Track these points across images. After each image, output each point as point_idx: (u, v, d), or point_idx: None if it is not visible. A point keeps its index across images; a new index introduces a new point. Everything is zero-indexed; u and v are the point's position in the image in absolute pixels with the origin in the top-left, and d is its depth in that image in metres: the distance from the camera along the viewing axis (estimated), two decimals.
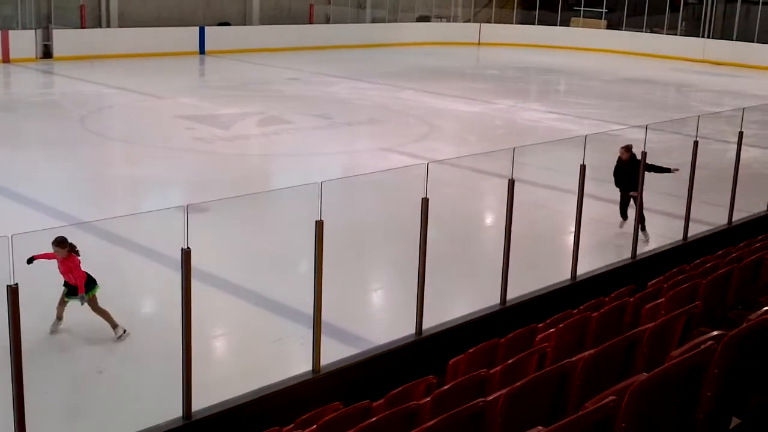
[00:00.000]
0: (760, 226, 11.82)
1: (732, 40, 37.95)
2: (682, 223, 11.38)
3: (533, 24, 42.60)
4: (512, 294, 9.04)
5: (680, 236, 11.35)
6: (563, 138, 18.17)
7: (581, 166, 9.64)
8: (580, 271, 9.83)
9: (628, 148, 12.54)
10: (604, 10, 41.93)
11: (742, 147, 12.37)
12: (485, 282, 9.66)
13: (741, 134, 12.18)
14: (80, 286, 8.66)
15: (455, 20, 44.32)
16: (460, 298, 10.62)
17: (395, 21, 41.45)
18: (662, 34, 40.11)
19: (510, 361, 5.45)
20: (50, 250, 8.60)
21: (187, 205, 6.33)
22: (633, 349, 4.88)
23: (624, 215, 12.78)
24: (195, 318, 6.58)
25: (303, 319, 8.35)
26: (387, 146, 18.81)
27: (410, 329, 8.19)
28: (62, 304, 8.93)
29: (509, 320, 8.42)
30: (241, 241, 12.29)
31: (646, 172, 11.15)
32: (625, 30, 41.01)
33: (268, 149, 18.76)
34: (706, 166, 14.16)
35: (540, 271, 10.67)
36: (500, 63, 36.00)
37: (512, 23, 43.35)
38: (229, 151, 17.99)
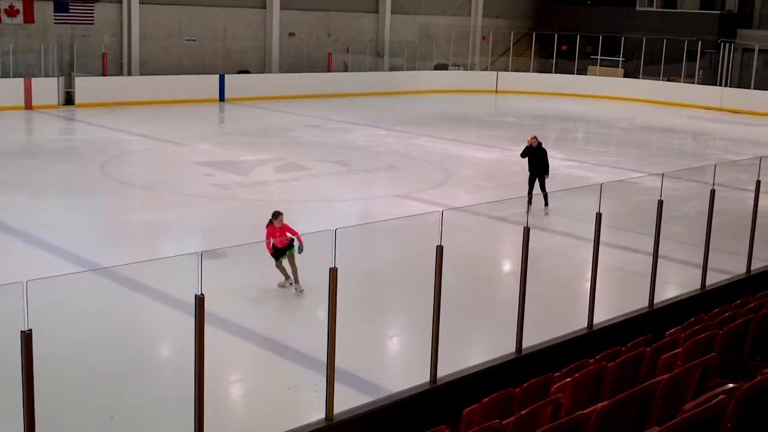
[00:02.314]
0: None
1: (750, 88, 37.98)
2: (699, 271, 11.29)
3: (550, 72, 42.84)
4: (528, 342, 8.97)
5: (698, 285, 11.26)
6: (580, 186, 18.18)
7: (597, 214, 9.61)
8: (597, 319, 9.75)
9: (536, 137, 17.37)
10: (621, 59, 42.14)
11: (761, 195, 12.32)
12: (501, 329, 9.61)
13: (758, 183, 12.12)
14: (298, 237, 11.40)
15: (472, 68, 44.67)
16: (476, 345, 10.55)
17: (413, 69, 41.81)
18: (680, 82, 40.21)
19: (523, 412, 5.39)
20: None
21: (201, 252, 6.35)
22: (648, 401, 4.82)
23: (530, 200, 16.73)
24: (210, 363, 6.57)
25: (318, 365, 8.32)
26: (404, 193, 18.87)
27: (426, 377, 8.13)
28: (281, 265, 11.60)
29: (525, 369, 8.34)
30: (258, 287, 12.30)
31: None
32: (642, 78, 41.16)
33: (286, 195, 18.84)
34: (723, 214, 14.11)
35: (557, 319, 10.61)
36: (518, 111, 36.16)
37: (529, 71, 43.63)
38: (248, 197, 18.09)
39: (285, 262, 11.65)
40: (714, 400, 3.50)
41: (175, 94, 32.52)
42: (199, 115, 30.76)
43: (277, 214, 11.66)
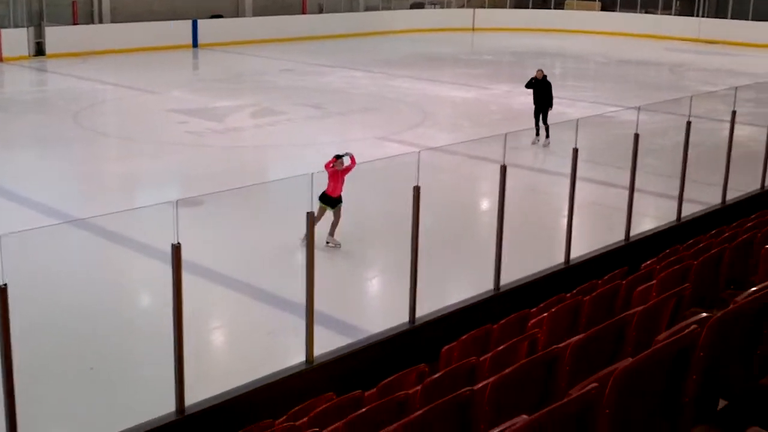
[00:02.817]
0: (753, 204, 11.77)
1: (727, 18, 37.82)
2: (676, 203, 11.34)
3: (527, 8, 42.46)
4: (507, 279, 9.01)
5: (674, 217, 11.31)
6: (558, 122, 18.13)
7: (573, 149, 9.59)
8: (574, 254, 9.80)
9: (541, 70, 17.95)
10: None
11: (737, 125, 12.33)
12: (480, 267, 9.63)
13: (734, 113, 12.12)
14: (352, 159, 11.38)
15: (449, 6, 44.17)
16: (455, 284, 10.60)
17: (389, 9, 41.30)
18: (657, 14, 39.97)
19: (500, 348, 5.43)
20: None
21: (177, 201, 6.30)
22: (623, 333, 4.85)
23: (537, 133, 17.60)
24: (189, 312, 6.57)
25: (298, 309, 8.32)
26: (381, 135, 18.76)
27: (405, 317, 8.17)
28: (319, 216, 10.74)
29: (503, 306, 8.38)
30: (236, 234, 12.25)
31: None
32: (619, 11, 40.88)
33: (263, 141, 18.71)
34: (700, 145, 14.15)
35: (535, 256, 10.66)
36: (495, 48, 35.89)
37: (506, 8, 43.21)
38: (223, 144, 17.93)
39: (328, 214, 11.21)
40: (686, 330, 3.52)
41: (147, 41, 31.96)
42: (172, 61, 30.33)
43: (339, 157, 11.36)
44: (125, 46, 31.24)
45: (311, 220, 7.29)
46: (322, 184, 11.15)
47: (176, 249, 6.38)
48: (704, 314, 4.22)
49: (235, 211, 12.83)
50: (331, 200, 11.19)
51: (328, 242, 11.22)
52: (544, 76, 17.81)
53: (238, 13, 36.86)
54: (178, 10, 34.79)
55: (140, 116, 21.22)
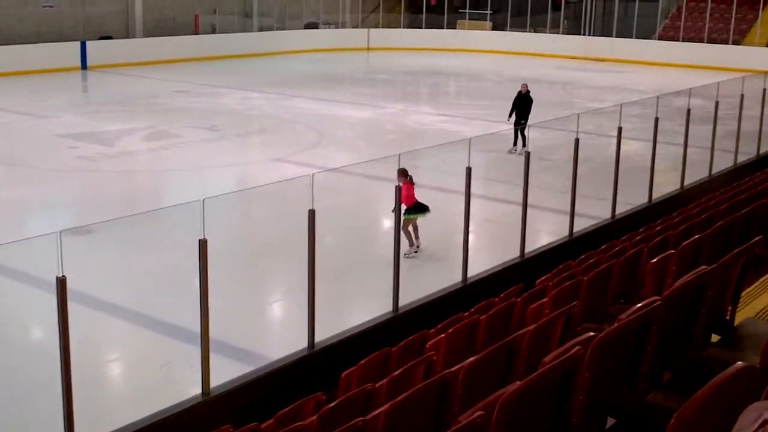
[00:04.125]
0: (641, 218, 12.16)
1: (612, 36, 39.16)
2: (568, 218, 11.59)
3: (421, 28, 43.03)
4: (405, 300, 9.03)
5: (566, 232, 11.56)
6: (452, 141, 18.36)
7: (467, 168, 9.70)
8: (471, 272, 9.90)
9: (526, 85, 19.23)
10: (489, 12, 42.69)
11: (624, 141, 12.72)
12: (379, 289, 9.63)
13: (620, 129, 12.51)
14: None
15: (343, 26, 44.38)
16: (354, 307, 10.57)
17: (283, 29, 41.20)
18: (545, 33, 41.08)
19: (396, 373, 5.41)
20: None
21: (60, 232, 6.06)
22: (515, 353, 4.90)
23: (515, 143, 18.76)
24: (80, 344, 6.35)
25: (194, 338, 8.14)
26: (278, 156, 18.64)
27: (305, 342, 8.08)
28: (408, 229, 11.49)
29: (402, 327, 8.39)
30: (128, 262, 11.93)
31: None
32: (509, 30, 41.84)
33: (156, 165, 18.34)
34: (590, 161, 14.55)
35: (433, 275, 10.73)
36: (390, 67, 36.21)
37: (400, 27, 43.69)
38: (115, 169, 17.49)
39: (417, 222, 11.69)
40: (570, 352, 3.57)
41: (33, 63, 30.96)
42: (60, 84, 29.46)
43: (402, 172, 11.50)
44: (10, 69, 30.18)
45: (203, 247, 7.12)
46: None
47: (61, 282, 6.15)
48: (591, 333, 4.30)
49: (126, 238, 12.49)
50: (413, 209, 11.73)
51: (407, 254, 11.46)
52: (528, 91, 19.02)
53: (128, 34, 36.14)
54: (66, 32, 33.88)
55: (28, 141, 20.49)
